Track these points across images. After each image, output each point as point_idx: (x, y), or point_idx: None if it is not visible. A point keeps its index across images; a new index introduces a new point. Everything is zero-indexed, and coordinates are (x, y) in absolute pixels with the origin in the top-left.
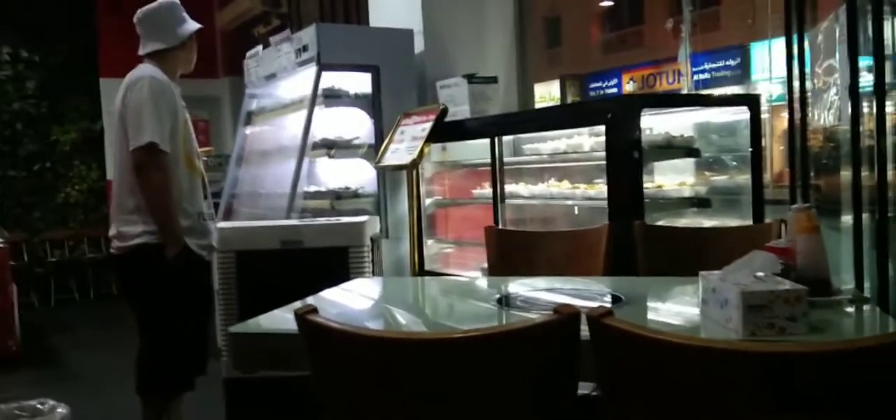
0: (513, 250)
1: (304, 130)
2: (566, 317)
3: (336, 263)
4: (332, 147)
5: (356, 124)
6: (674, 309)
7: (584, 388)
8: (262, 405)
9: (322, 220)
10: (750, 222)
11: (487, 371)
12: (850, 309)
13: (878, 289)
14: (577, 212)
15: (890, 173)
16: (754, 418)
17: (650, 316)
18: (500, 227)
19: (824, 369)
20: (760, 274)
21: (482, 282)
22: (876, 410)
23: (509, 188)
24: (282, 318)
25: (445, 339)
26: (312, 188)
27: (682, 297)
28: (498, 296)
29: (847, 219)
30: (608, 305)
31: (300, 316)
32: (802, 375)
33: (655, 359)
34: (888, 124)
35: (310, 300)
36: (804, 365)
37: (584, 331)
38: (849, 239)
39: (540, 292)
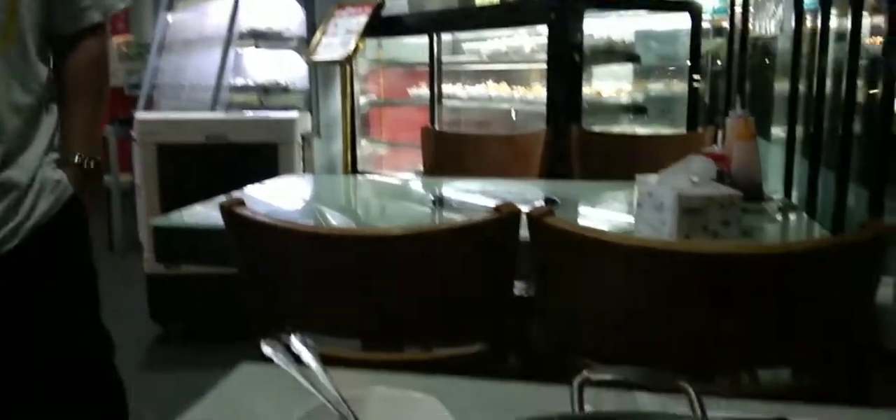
0: (449, 153)
1: (231, 18)
2: (506, 215)
3: (264, 161)
4: (261, 38)
5: (286, 14)
6: (608, 213)
7: (519, 289)
8: (186, 301)
9: (249, 115)
10: (684, 131)
11: (426, 269)
12: (780, 215)
13: (807, 197)
14: (514, 116)
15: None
16: (687, 318)
17: (583, 222)
18: (437, 129)
19: (756, 272)
20: (696, 178)
21: (417, 183)
22: (803, 311)
23: (447, 89)
24: (206, 213)
25: (385, 236)
26: (239, 81)
27: (616, 202)
28: (433, 198)
29: (777, 130)
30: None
31: (226, 209)
32: (735, 277)
33: (594, 258)
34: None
35: (236, 195)
36: (737, 267)
37: (522, 232)
38: (778, 149)
39: (475, 195)
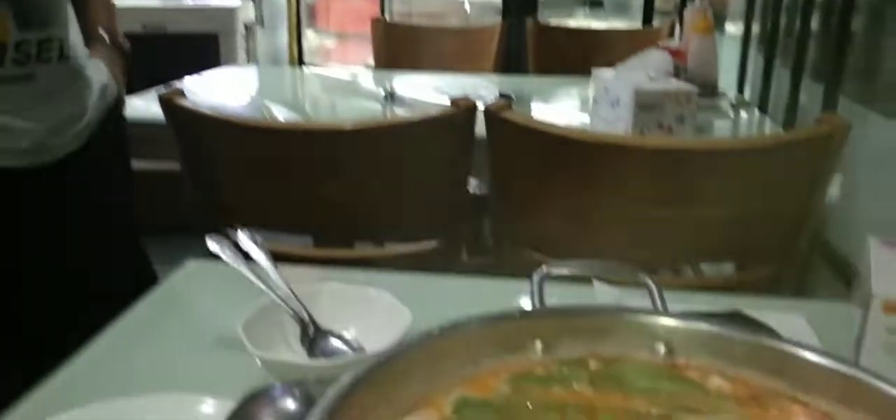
0: (400, 46)
1: None
2: (463, 110)
3: (205, 52)
4: None
5: None
6: (563, 109)
7: (473, 186)
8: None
9: (189, 3)
10: (640, 26)
11: (378, 165)
12: (734, 112)
13: (761, 93)
14: (468, 7)
15: None
16: (641, 213)
17: (538, 117)
18: (387, 20)
19: (710, 168)
20: (652, 74)
21: (366, 77)
22: (754, 206)
23: None
24: (145, 106)
25: (336, 130)
26: None
27: (572, 98)
28: (383, 93)
29: (730, 27)
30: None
31: (166, 101)
32: (689, 173)
33: (551, 153)
34: None
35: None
36: (692, 162)
37: (477, 129)
38: (732, 45)
39: (427, 90)
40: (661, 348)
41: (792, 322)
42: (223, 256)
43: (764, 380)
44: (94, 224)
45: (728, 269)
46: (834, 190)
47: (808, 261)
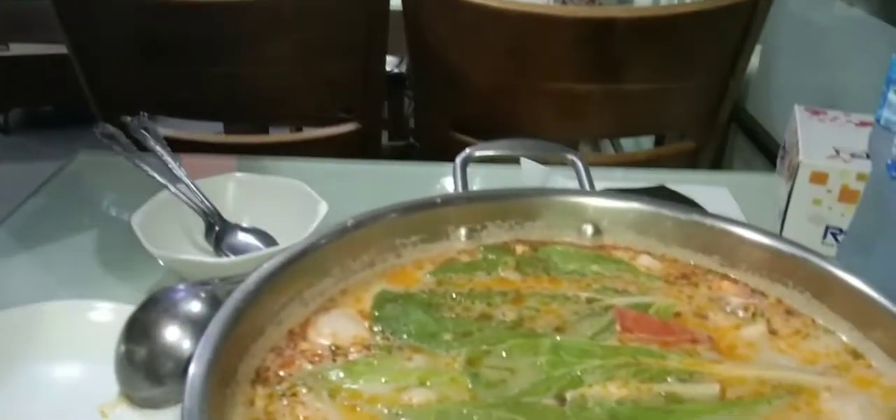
0: None
1: None
2: None
3: None
4: None
5: None
6: None
7: (392, 65)
8: (23, 85)
9: None
10: None
11: (285, 42)
12: None
13: None
14: None
15: None
16: (566, 88)
17: None
18: None
19: (635, 37)
20: None
21: None
22: (679, 76)
23: None
24: None
25: (237, 3)
26: None
27: None
28: None
29: None
30: None
31: None
32: (615, 43)
33: (472, 27)
34: None
35: None
36: (617, 32)
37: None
38: None
39: None
40: (589, 229)
41: (715, 195)
42: (114, 147)
43: (694, 257)
44: None
45: (647, 143)
46: (754, 61)
47: (726, 133)
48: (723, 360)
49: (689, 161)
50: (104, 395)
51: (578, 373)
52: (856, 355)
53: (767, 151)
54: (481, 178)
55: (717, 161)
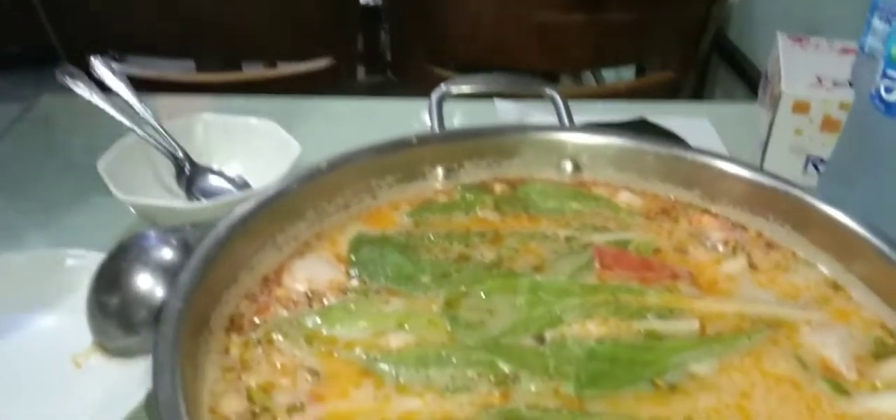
0: None
1: None
2: None
3: None
4: None
5: None
6: None
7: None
8: None
9: None
10: None
11: None
12: None
13: None
14: None
15: None
16: (549, 18)
17: None
18: None
19: None
20: None
21: None
22: (661, 6)
23: None
24: None
25: None
26: None
27: None
28: None
29: None
30: None
31: None
32: None
33: None
34: None
35: None
36: None
37: None
38: None
39: None
40: (569, 166)
41: (696, 126)
42: (75, 89)
43: (674, 192)
44: None
45: (629, 74)
46: None
47: (708, 62)
48: (703, 296)
49: (671, 92)
50: (77, 345)
51: (557, 312)
52: (836, 288)
53: (749, 80)
54: (462, 114)
55: (698, 91)
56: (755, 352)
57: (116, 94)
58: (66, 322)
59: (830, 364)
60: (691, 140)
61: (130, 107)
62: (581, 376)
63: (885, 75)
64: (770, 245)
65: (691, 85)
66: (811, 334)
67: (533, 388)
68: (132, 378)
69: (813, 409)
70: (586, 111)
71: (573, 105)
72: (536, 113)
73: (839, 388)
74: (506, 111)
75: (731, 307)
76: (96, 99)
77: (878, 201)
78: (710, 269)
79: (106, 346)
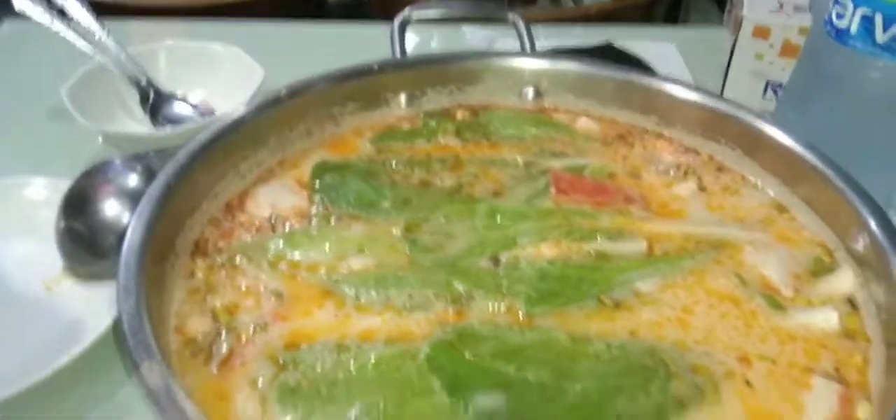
0: None
1: None
2: None
3: None
4: None
5: None
6: None
7: None
8: None
9: None
10: None
11: None
12: None
13: None
14: None
15: None
16: None
17: None
18: None
19: None
20: None
21: None
22: None
23: None
24: None
25: None
26: None
27: None
28: None
29: None
30: None
31: None
32: None
33: None
34: None
35: None
36: None
37: None
38: None
39: None
40: (530, 92)
41: (663, 51)
42: (33, 15)
43: (632, 117)
44: None
45: None
46: None
47: None
48: (652, 218)
49: (645, 14)
50: (48, 270)
51: (513, 235)
52: (781, 210)
53: (722, 3)
54: (433, 43)
55: (673, 13)
56: (698, 271)
57: (78, 21)
58: (37, 248)
59: (769, 282)
60: (658, 65)
61: (93, 33)
62: (531, 295)
63: (836, 1)
64: (721, 169)
65: (665, 7)
66: (753, 254)
67: (487, 307)
68: (103, 300)
69: (750, 322)
70: (558, 35)
71: (547, 30)
72: (506, 39)
73: (776, 303)
74: (474, 36)
75: (678, 229)
76: (57, 25)
77: (828, 125)
78: (661, 191)
79: (76, 270)
